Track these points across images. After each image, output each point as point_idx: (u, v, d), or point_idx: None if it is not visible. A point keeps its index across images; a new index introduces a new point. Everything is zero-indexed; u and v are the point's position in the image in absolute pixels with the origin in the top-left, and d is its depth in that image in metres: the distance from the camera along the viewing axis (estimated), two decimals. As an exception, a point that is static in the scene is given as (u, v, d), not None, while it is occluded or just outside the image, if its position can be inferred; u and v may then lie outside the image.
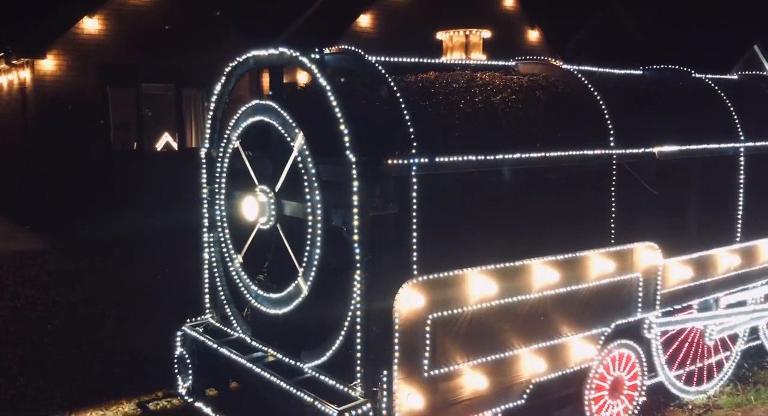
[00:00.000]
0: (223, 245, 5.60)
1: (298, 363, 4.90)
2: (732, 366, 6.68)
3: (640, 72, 6.81)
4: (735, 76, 7.76)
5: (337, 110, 4.38)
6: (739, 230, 6.56)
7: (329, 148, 4.45)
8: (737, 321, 6.57)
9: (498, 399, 4.81)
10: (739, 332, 6.70)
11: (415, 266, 4.50)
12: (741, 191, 6.55)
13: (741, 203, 6.55)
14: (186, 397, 5.75)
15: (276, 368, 4.92)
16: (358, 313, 4.39)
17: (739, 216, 6.56)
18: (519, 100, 5.26)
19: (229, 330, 5.67)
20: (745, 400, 6.29)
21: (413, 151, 4.45)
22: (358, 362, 4.41)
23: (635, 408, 5.78)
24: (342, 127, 4.35)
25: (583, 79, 5.70)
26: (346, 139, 4.32)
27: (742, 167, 6.54)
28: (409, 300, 4.33)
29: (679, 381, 6.25)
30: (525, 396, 4.93)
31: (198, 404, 5.65)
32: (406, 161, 4.42)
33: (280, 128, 4.84)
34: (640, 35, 24.96)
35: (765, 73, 8.69)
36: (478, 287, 4.64)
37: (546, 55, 5.43)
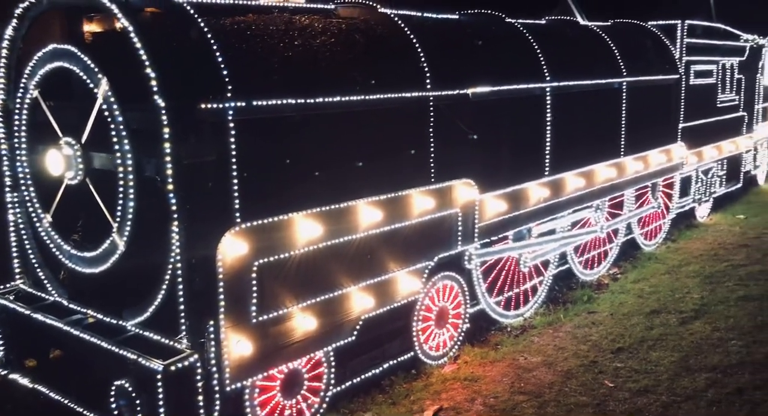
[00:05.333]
0: (30, 204, 5.18)
1: (120, 322, 4.70)
2: (545, 290, 7.31)
3: (457, 17, 7.03)
4: (544, 21, 8.25)
5: (141, 52, 4.13)
6: (547, 164, 7.09)
7: (137, 94, 4.20)
8: (548, 248, 7.18)
9: (329, 337, 4.92)
10: (550, 258, 7.33)
11: (237, 214, 4.42)
12: (548, 127, 7.06)
13: (548, 139, 7.07)
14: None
15: (97, 329, 4.71)
16: (179, 265, 4.26)
17: (547, 152, 7.08)
18: (338, 43, 5.25)
19: (43, 295, 5.30)
20: (556, 319, 6.94)
21: (228, 95, 4.31)
22: (182, 314, 4.31)
23: (460, 335, 6.18)
24: (148, 70, 4.11)
25: (401, 23, 5.79)
26: (153, 83, 4.10)
27: (548, 106, 7.03)
28: (233, 248, 4.27)
29: (499, 307, 6.75)
30: (355, 333, 5.09)
31: (13, 376, 5.27)
32: (221, 105, 4.28)
33: (81, 74, 4.49)
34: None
35: (573, 18, 9.31)
36: (304, 230, 4.66)
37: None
